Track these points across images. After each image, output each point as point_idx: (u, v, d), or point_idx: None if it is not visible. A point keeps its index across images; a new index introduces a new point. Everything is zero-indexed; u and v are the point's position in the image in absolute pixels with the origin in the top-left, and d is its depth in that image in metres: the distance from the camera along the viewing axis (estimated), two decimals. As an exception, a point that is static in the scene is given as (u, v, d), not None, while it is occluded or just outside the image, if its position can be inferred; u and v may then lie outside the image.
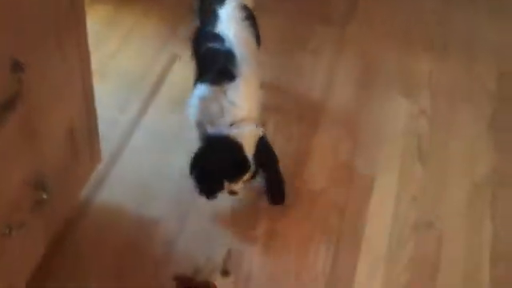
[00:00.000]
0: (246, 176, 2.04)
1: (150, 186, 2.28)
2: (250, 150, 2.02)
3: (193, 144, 2.14)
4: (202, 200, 2.13)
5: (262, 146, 2.07)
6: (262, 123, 2.16)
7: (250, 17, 2.31)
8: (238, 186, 2.08)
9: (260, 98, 2.18)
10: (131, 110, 2.52)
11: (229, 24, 2.22)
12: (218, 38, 2.18)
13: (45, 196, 1.68)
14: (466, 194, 2.34)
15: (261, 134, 2.07)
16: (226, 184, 2.06)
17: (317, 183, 2.32)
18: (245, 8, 2.31)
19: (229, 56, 2.14)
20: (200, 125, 2.17)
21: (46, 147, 1.73)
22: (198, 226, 2.16)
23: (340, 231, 2.19)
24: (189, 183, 2.21)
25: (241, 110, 2.07)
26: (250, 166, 2.03)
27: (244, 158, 2.02)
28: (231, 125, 2.05)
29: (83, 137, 1.96)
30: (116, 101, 2.54)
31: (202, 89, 2.15)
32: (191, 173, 2.08)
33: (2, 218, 1.57)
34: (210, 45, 2.19)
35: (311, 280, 2.05)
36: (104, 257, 2.06)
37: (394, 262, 2.11)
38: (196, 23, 2.36)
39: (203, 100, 2.13)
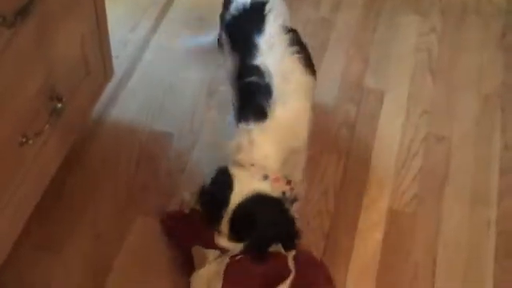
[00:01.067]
0: (223, 226, 1.70)
1: (162, 101, 2.30)
2: (236, 196, 1.69)
3: (205, 60, 2.13)
4: (215, 114, 2.14)
5: (261, 202, 1.71)
6: (286, 181, 1.76)
7: (297, 42, 1.94)
8: (219, 239, 1.73)
9: (300, 156, 1.86)
10: (142, 29, 2.52)
11: (269, 53, 1.87)
12: (258, 72, 1.83)
13: (59, 105, 1.71)
14: (475, 108, 2.36)
15: (265, 189, 1.71)
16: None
17: (327, 100, 2.34)
18: (289, 31, 1.95)
19: (265, 92, 1.79)
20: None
21: (59, 59, 1.74)
22: (211, 139, 2.19)
23: (350, 146, 2.22)
24: (202, 98, 2.25)
25: (257, 152, 1.74)
26: (227, 213, 1.69)
27: (224, 202, 1.69)
28: (240, 165, 1.74)
29: (95, 53, 1.97)
30: (127, 21, 2.54)
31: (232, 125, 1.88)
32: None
33: (19, 127, 1.61)
34: (249, 79, 1.85)
35: (322, 193, 2.09)
36: (118, 172, 2.11)
37: (403, 174, 2.15)
38: (234, 57, 1.99)
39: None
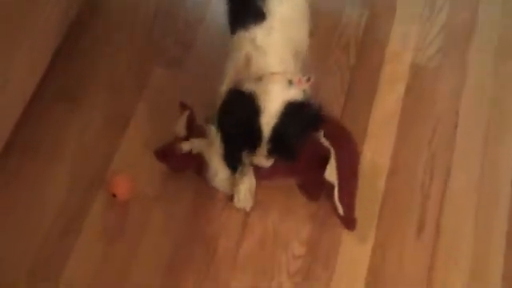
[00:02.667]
0: (261, 149, 1.55)
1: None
2: (270, 115, 1.50)
3: None
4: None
5: (295, 111, 1.52)
6: (306, 79, 1.58)
7: None
8: (258, 160, 1.60)
9: (303, 46, 1.72)
10: None
11: None
12: None
13: None
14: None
15: (295, 95, 1.53)
16: (245, 154, 1.62)
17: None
18: None
19: None
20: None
21: None
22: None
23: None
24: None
25: (271, 58, 1.59)
26: (264, 137, 1.52)
27: (257, 125, 1.51)
28: (258, 78, 1.55)
29: None
30: None
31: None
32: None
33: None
34: None
35: (343, 47, 2.03)
36: (134, 23, 2.05)
37: (427, 29, 2.09)
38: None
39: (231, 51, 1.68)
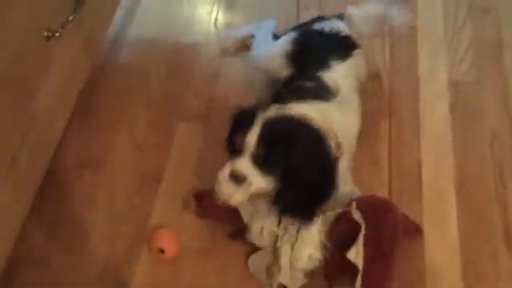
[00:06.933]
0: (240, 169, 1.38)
1: (180, 14, 2.12)
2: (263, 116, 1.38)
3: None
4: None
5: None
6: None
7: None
8: (241, 166, 1.38)
9: None
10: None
11: None
12: None
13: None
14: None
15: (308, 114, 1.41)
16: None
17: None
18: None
19: None
20: None
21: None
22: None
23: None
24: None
25: None
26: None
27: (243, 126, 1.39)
28: None
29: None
30: None
31: None
32: None
33: (43, 20, 1.43)
34: None
35: (373, 78, 1.91)
36: (148, 83, 1.91)
37: (455, 45, 1.99)
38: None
39: None
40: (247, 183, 1.36)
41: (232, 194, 1.37)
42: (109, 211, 1.62)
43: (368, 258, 1.36)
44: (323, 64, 1.62)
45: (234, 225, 1.54)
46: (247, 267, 1.51)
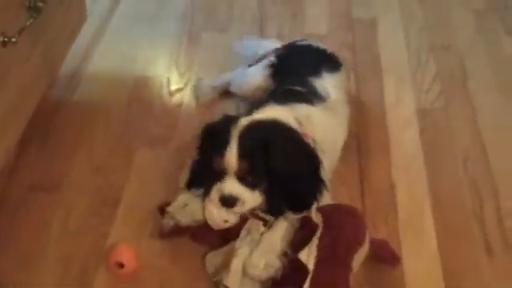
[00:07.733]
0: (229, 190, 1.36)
1: (141, 48, 2.09)
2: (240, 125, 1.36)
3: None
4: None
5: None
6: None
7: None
8: (229, 187, 1.36)
9: None
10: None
11: None
12: None
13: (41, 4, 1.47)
14: (472, 20, 2.25)
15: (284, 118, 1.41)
16: None
17: (320, 29, 2.19)
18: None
19: None
20: None
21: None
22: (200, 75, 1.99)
23: (355, 63, 2.03)
24: (186, 38, 2.06)
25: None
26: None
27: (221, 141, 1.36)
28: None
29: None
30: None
31: None
32: None
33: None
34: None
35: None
36: (109, 111, 1.84)
37: (420, 77, 1.99)
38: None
39: None
40: (240, 204, 1.34)
41: (226, 220, 1.36)
42: (64, 231, 1.49)
43: (320, 260, 1.28)
44: (315, 72, 1.63)
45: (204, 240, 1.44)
46: (211, 283, 1.39)
